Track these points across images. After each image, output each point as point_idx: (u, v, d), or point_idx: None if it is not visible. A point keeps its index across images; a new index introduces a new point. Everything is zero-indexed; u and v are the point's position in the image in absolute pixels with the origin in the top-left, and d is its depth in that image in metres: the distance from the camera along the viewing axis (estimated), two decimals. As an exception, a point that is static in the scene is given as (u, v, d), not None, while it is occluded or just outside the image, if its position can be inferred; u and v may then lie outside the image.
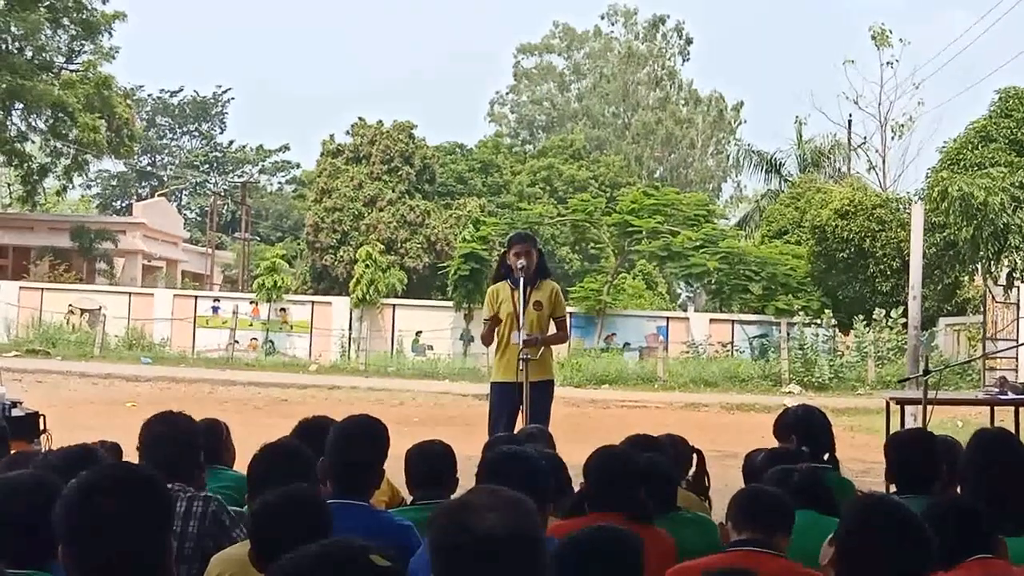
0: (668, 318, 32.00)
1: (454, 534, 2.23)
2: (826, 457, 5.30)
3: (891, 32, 38.40)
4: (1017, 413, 8.39)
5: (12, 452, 4.76)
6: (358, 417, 4.28)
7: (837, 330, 28.47)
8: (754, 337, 29.66)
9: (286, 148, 62.28)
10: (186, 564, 3.79)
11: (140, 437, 4.20)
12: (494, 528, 2.20)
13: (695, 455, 5.53)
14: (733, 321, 30.49)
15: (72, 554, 2.42)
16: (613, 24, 63.73)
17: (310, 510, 3.20)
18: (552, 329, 8.07)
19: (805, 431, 5.33)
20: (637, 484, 4.01)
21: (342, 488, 3.90)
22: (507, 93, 64.73)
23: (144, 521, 2.44)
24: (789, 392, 24.76)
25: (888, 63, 38.75)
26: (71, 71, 38.08)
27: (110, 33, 38.06)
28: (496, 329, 8.02)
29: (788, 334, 28.00)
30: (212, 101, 63.25)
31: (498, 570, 2.20)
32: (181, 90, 62.86)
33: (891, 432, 7.00)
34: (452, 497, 4.16)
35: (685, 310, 37.09)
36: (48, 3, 36.18)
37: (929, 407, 7.73)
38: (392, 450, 4.19)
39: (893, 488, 4.65)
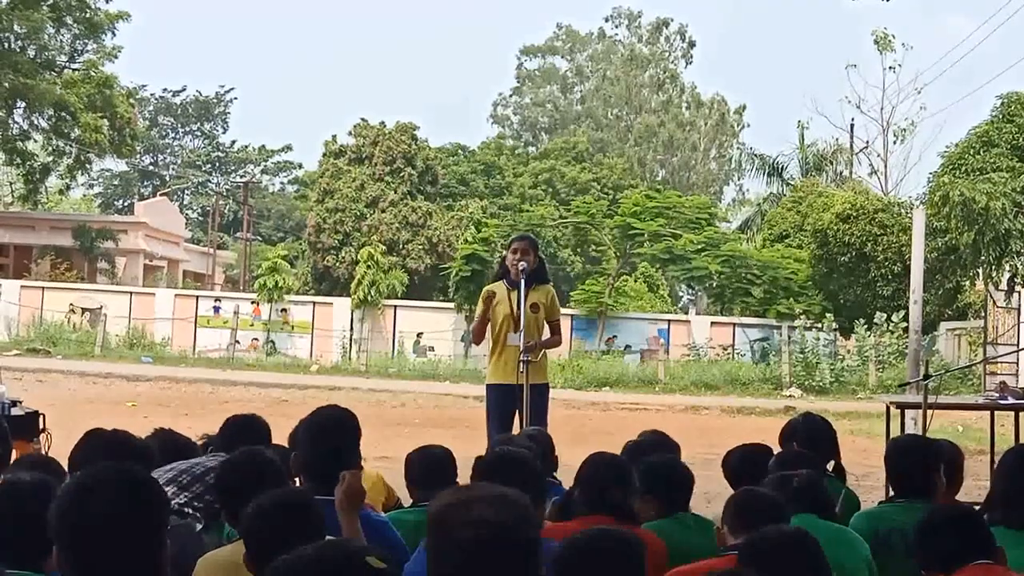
0: (669, 321, 31.98)
1: (454, 526, 2.25)
2: (831, 466, 5.29)
3: (894, 37, 38.48)
4: (1017, 418, 8.38)
5: (15, 453, 4.75)
6: (327, 408, 4.14)
7: (838, 334, 28.47)
8: (755, 340, 29.66)
9: (288, 148, 62.29)
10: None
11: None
12: (492, 521, 2.23)
13: None
14: (734, 324, 30.50)
15: (67, 555, 2.42)
16: (616, 27, 63.88)
17: (304, 512, 3.18)
18: (547, 332, 8.09)
19: (804, 437, 5.32)
20: (625, 488, 4.01)
21: (315, 482, 3.76)
22: (510, 95, 64.80)
23: (139, 522, 2.44)
24: (790, 396, 24.75)
25: (890, 68, 38.81)
26: (73, 70, 38.10)
27: (113, 33, 38.12)
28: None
29: (789, 338, 27.98)
30: (215, 101, 63.24)
31: (494, 563, 2.22)
32: (184, 90, 62.97)
33: (891, 437, 7.01)
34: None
35: (686, 313, 37.07)
36: (51, 2, 36.19)
37: (929, 411, 7.72)
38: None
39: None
